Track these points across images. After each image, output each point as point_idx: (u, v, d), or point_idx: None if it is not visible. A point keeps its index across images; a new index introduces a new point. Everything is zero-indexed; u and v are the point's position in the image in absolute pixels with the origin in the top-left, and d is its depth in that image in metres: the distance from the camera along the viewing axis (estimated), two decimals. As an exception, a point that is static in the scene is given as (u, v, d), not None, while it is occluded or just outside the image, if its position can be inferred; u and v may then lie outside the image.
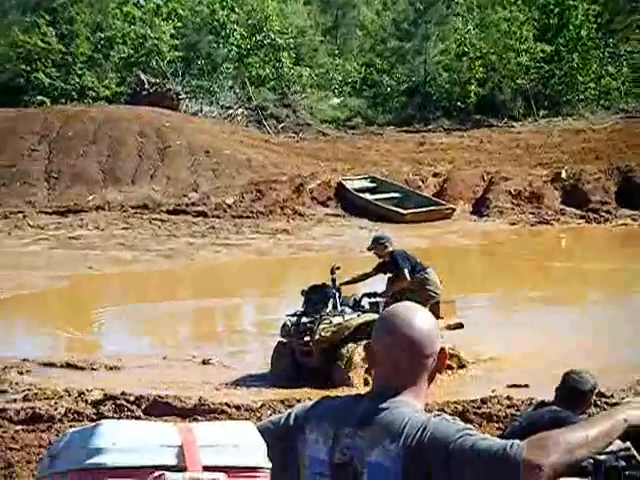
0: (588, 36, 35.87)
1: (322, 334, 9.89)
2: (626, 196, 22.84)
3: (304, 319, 10.16)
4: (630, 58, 37.35)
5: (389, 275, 10.73)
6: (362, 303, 10.35)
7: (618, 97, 36.09)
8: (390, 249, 10.58)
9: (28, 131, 26.35)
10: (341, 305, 10.13)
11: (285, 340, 10.28)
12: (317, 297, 10.24)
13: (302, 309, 10.36)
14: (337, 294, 10.22)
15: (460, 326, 10.89)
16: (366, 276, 10.92)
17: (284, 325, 10.33)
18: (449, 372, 10.20)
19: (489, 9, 38.46)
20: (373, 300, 10.33)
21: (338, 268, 10.45)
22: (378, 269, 10.83)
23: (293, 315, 10.38)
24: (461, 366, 10.55)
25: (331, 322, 9.95)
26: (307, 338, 10.00)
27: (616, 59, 37.16)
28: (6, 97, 33.09)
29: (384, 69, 38.72)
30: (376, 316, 9.70)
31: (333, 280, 10.35)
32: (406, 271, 10.42)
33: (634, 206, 22.43)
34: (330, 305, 10.13)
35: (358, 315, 10.06)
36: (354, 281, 10.87)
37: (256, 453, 2.02)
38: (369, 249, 10.74)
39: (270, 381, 10.26)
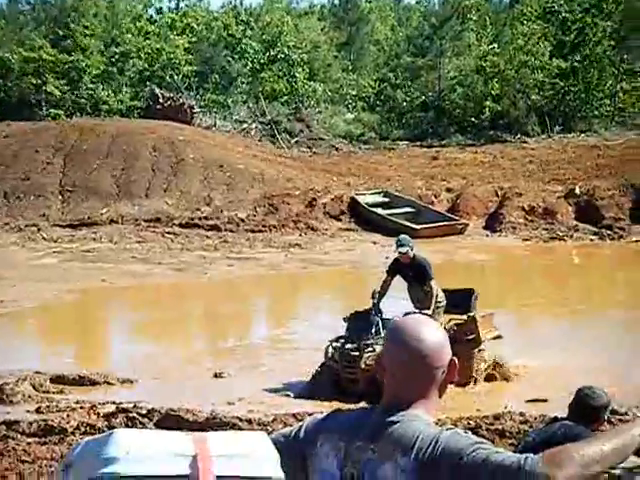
0: (604, 52, 35.87)
1: (367, 362, 9.91)
2: (640, 212, 22.75)
3: (348, 345, 10.21)
4: (645, 75, 37.31)
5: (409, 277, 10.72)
6: None
7: (633, 113, 36.04)
8: (409, 250, 10.56)
9: (43, 144, 26.48)
10: (383, 329, 10.10)
11: (329, 364, 10.35)
12: (360, 324, 10.27)
13: (346, 335, 10.40)
14: (379, 319, 10.23)
15: (499, 337, 11.05)
16: (387, 284, 10.84)
17: (328, 350, 10.42)
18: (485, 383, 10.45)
19: (506, 25, 38.55)
20: None
21: (378, 293, 10.54)
22: (393, 273, 10.80)
23: (337, 340, 10.42)
24: (505, 378, 10.81)
25: (375, 350, 9.93)
26: (352, 367, 10.05)
27: (631, 76, 37.11)
28: (21, 111, 33.34)
29: (398, 84, 38.80)
30: None
31: (374, 305, 10.42)
32: (433, 282, 10.47)
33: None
34: (373, 331, 10.16)
35: None
36: (383, 294, 10.78)
37: (269, 463, 2.01)
38: (399, 252, 10.60)
39: (284, 392, 10.29)
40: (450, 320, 10.71)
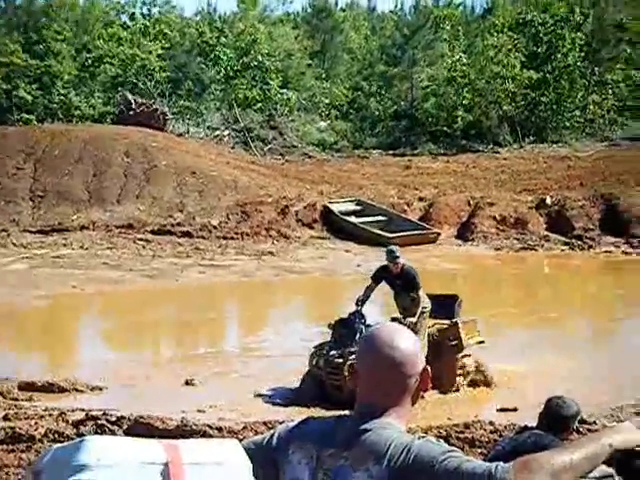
0: (575, 64, 36.21)
1: (350, 370, 9.89)
2: (610, 223, 22.95)
3: (332, 352, 10.28)
4: (615, 87, 37.67)
5: (397, 285, 10.81)
6: None
7: (603, 125, 36.38)
8: (402, 261, 10.71)
9: (14, 149, 26.28)
10: None
11: (313, 371, 10.42)
12: (344, 331, 10.31)
13: (330, 342, 10.46)
14: (363, 326, 10.27)
15: (482, 342, 11.18)
16: (370, 290, 10.95)
17: (312, 357, 10.51)
18: (470, 389, 10.60)
19: (477, 36, 38.81)
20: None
21: (362, 300, 10.64)
22: (378, 280, 10.90)
23: (320, 347, 10.47)
24: (487, 384, 10.94)
25: None
26: (336, 374, 10.09)
27: (602, 88, 37.48)
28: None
29: (371, 93, 38.91)
30: None
31: (358, 312, 10.50)
32: (421, 292, 10.61)
33: (617, 233, 22.53)
34: (357, 337, 10.19)
35: None
36: (365, 300, 10.86)
37: (242, 471, 2.01)
38: (388, 261, 10.71)
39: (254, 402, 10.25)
40: (434, 325, 10.82)
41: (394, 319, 10.59)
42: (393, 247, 11.05)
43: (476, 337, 11.12)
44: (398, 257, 10.66)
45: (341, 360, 10.20)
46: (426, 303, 10.65)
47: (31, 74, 35.93)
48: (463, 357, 10.76)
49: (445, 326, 10.78)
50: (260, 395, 10.66)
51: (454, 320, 10.83)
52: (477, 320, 11.41)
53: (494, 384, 11.00)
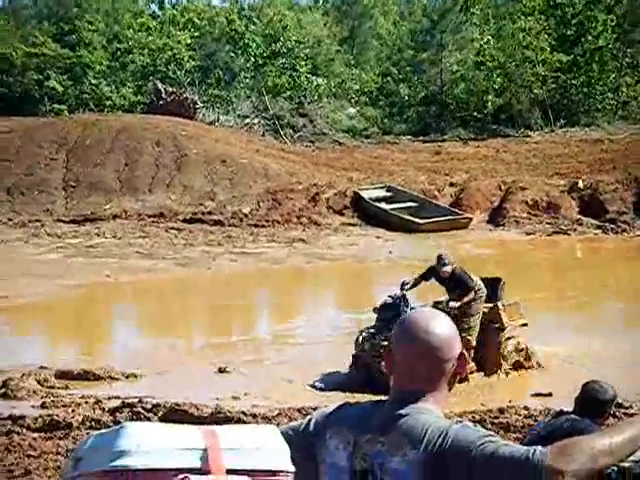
0: (606, 46, 35.79)
1: (384, 353, 9.90)
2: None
3: (378, 336, 10.34)
4: (648, 68, 37.21)
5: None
6: None
7: (636, 107, 35.95)
8: (451, 268, 10.71)
9: (46, 140, 26.48)
10: None
11: (359, 355, 10.49)
12: (389, 314, 10.32)
13: (375, 326, 10.52)
14: (408, 310, 10.28)
15: (524, 325, 11.21)
16: (418, 282, 11.02)
17: (357, 341, 10.57)
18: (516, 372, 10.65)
19: (507, 19, 38.47)
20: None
21: (407, 283, 10.70)
22: (426, 279, 10.97)
23: (367, 331, 10.48)
24: (530, 367, 10.98)
25: None
26: (381, 358, 10.13)
27: (634, 69, 37.03)
28: (23, 106, 33.35)
29: (400, 79, 38.75)
30: None
31: (403, 296, 10.56)
32: (475, 278, 10.73)
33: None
34: None
35: None
36: (412, 287, 10.93)
37: (279, 456, 2.02)
38: (443, 271, 10.71)
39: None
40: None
41: (437, 302, 10.63)
42: (444, 254, 11.07)
43: (519, 320, 11.12)
44: (446, 265, 10.69)
45: (386, 344, 10.18)
46: (482, 288, 10.71)
47: (62, 65, 36.17)
48: (507, 339, 10.76)
49: (485, 309, 10.80)
50: (293, 381, 10.69)
51: (495, 303, 10.85)
52: (520, 303, 11.40)
53: (540, 366, 11.00)
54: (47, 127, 27.80)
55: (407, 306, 10.39)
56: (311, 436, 2.36)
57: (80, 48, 36.73)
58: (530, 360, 10.99)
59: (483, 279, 11.10)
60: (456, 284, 10.68)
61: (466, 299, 10.50)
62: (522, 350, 10.97)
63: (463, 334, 10.33)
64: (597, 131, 33.19)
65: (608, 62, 36.17)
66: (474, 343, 10.50)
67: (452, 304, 10.31)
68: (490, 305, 10.86)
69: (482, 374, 10.56)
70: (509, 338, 10.85)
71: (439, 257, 10.90)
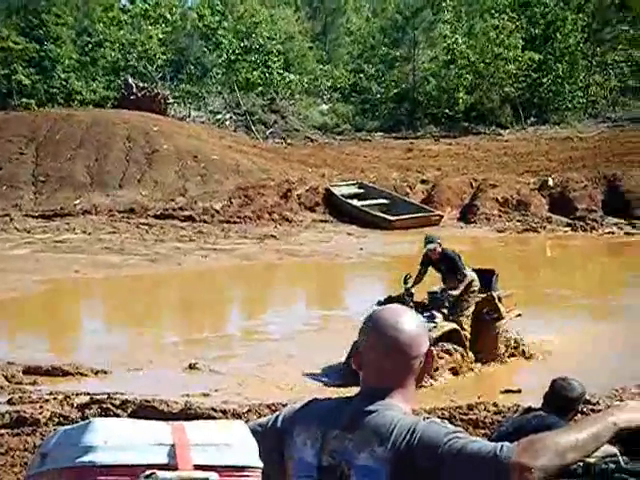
0: (576, 45, 36.07)
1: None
2: (612, 204, 22.92)
3: None
4: (617, 67, 37.55)
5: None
6: (435, 313, 10.53)
7: (605, 106, 36.29)
8: (440, 249, 10.85)
9: (15, 134, 26.26)
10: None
11: None
12: None
13: None
14: (412, 303, 10.32)
15: (519, 316, 11.39)
16: (421, 274, 11.10)
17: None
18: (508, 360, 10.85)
19: (477, 17, 38.66)
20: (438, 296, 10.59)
21: (410, 277, 10.76)
22: (426, 265, 11.05)
23: None
24: (526, 357, 11.13)
25: None
26: None
27: (603, 68, 37.35)
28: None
29: (373, 76, 38.81)
30: (454, 325, 10.25)
31: (407, 289, 10.60)
32: (467, 271, 10.81)
33: (620, 214, 22.50)
34: None
35: (434, 327, 10.21)
36: (416, 281, 11.00)
37: (248, 452, 2.01)
38: (428, 249, 10.85)
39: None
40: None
41: (432, 292, 10.69)
42: (429, 234, 11.26)
43: (514, 310, 11.30)
44: (430, 242, 10.82)
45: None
46: (475, 281, 10.78)
47: (29, 58, 35.83)
48: (502, 330, 10.93)
49: (479, 299, 10.89)
50: (264, 378, 10.68)
51: (489, 293, 10.97)
52: (512, 294, 11.57)
53: (532, 355, 11.14)
54: (16, 121, 27.56)
55: (412, 300, 10.47)
56: (279, 432, 2.35)
57: (48, 42, 36.39)
58: (522, 350, 11.16)
59: (476, 270, 11.20)
60: (447, 267, 10.77)
61: (462, 286, 10.61)
62: (515, 341, 11.15)
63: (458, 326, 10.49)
64: (567, 129, 33.47)
65: (578, 61, 36.48)
66: (469, 335, 10.64)
67: (450, 292, 10.44)
68: (484, 295, 10.98)
69: (479, 364, 10.68)
70: (505, 330, 11.02)
71: (425, 237, 11.08)
